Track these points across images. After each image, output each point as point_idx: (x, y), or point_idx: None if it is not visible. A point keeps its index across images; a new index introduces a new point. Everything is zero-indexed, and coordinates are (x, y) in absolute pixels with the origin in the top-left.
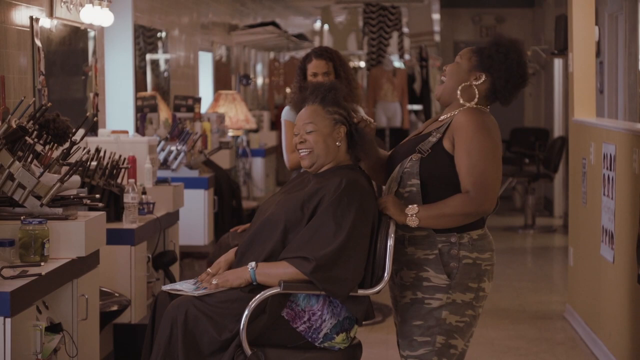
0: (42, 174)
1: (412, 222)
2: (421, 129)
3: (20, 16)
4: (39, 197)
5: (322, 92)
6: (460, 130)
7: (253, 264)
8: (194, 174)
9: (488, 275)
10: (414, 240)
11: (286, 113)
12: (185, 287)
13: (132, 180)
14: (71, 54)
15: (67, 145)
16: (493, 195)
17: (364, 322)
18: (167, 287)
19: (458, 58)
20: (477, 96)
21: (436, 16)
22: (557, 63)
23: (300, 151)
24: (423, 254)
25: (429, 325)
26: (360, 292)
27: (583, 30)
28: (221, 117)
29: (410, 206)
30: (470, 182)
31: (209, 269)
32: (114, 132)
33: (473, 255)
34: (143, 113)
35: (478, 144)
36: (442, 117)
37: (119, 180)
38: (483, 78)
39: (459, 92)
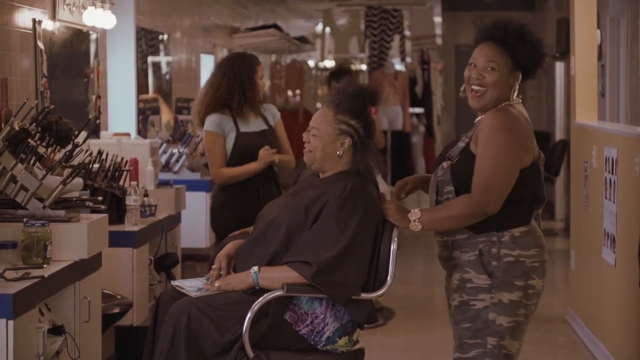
0: (44, 176)
1: (415, 227)
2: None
3: (23, 18)
4: (41, 200)
5: (341, 97)
6: (482, 131)
7: (256, 268)
8: (196, 176)
9: (537, 273)
10: (457, 244)
11: (209, 123)
12: (194, 284)
13: (134, 183)
14: (73, 57)
15: (69, 147)
16: (495, 197)
17: (366, 325)
18: (175, 282)
19: (494, 65)
20: (515, 92)
21: (438, 19)
22: (559, 66)
23: (304, 147)
24: (466, 257)
25: (478, 327)
26: (364, 295)
27: (585, 33)
28: None
29: (412, 211)
30: (475, 182)
31: (213, 266)
32: (116, 134)
33: (515, 252)
34: (145, 115)
35: (492, 145)
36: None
37: (121, 183)
38: (519, 76)
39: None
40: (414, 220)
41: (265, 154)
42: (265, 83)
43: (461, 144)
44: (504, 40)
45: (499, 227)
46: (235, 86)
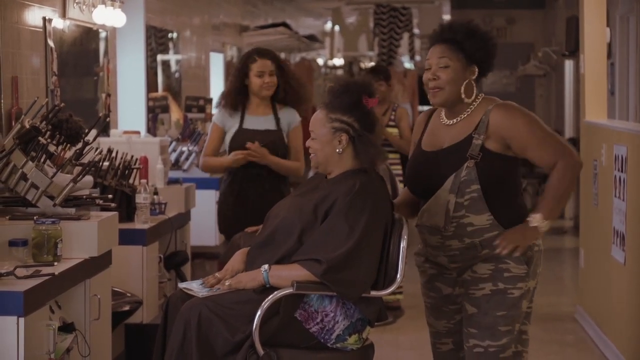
0: (55, 174)
1: (546, 227)
2: (427, 136)
3: (33, 17)
4: (52, 197)
5: (330, 96)
6: (510, 129)
7: (266, 266)
8: (205, 174)
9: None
10: (487, 243)
11: (216, 115)
12: (196, 286)
13: (143, 181)
14: (83, 55)
15: (79, 145)
16: (569, 146)
17: (376, 323)
18: (182, 285)
19: (446, 61)
20: (474, 87)
21: (447, 17)
22: (568, 64)
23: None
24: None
25: (512, 314)
26: (373, 293)
27: (594, 31)
28: None
29: (530, 218)
30: (551, 154)
31: (216, 274)
32: (125, 132)
33: (538, 242)
34: (154, 114)
35: (535, 125)
36: (453, 120)
37: (130, 181)
38: (476, 70)
39: (463, 94)
40: (540, 223)
41: (237, 152)
42: (267, 81)
43: (477, 142)
44: (453, 39)
45: (521, 218)
46: (233, 83)
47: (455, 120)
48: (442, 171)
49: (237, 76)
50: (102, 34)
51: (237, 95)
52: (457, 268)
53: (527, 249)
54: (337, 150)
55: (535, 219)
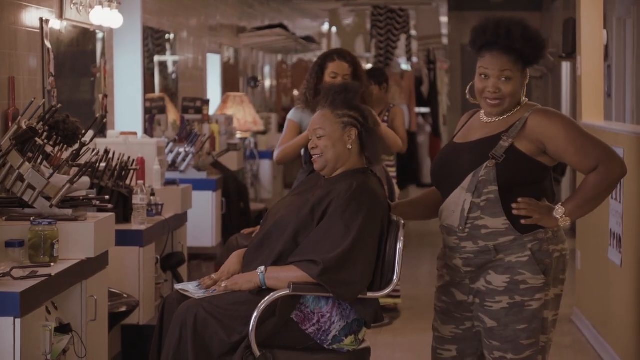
0: (51, 175)
1: (564, 222)
2: (463, 131)
3: (30, 18)
4: (48, 198)
5: (332, 95)
6: (547, 132)
7: (262, 268)
8: (202, 175)
9: (568, 264)
10: (501, 247)
11: (292, 113)
12: (192, 288)
13: (140, 182)
14: (80, 56)
15: (76, 146)
16: (615, 154)
17: (372, 325)
18: (179, 286)
19: (508, 74)
20: (524, 89)
21: (444, 19)
22: (565, 66)
23: (313, 155)
24: (515, 257)
25: (534, 327)
26: (370, 294)
27: (591, 33)
28: (229, 119)
29: (555, 209)
30: (592, 159)
31: (213, 275)
32: (122, 133)
33: (559, 247)
34: (151, 115)
35: (574, 131)
36: (492, 119)
37: (127, 182)
38: (528, 73)
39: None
40: (561, 217)
41: None
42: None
43: (505, 144)
44: (512, 48)
45: (540, 227)
46: (310, 82)
47: (494, 119)
48: (463, 163)
49: (314, 74)
50: (99, 35)
51: (313, 98)
52: (471, 273)
53: (545, 256)
54: (348, 146)
55: (558, 211)
